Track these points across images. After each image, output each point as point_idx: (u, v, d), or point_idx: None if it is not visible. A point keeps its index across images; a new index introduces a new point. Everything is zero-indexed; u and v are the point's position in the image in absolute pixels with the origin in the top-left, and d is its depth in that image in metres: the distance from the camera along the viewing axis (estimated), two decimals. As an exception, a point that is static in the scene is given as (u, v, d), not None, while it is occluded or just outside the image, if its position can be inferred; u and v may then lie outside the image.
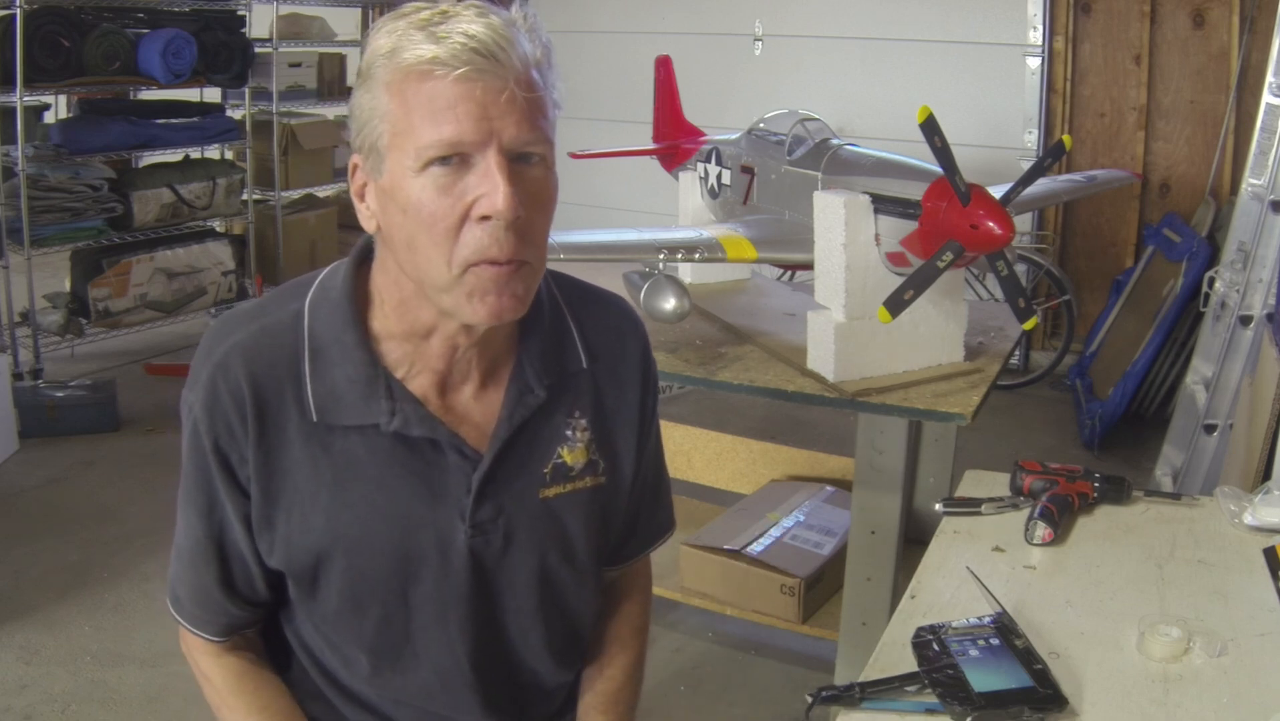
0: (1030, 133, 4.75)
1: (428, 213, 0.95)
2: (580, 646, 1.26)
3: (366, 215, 1.03)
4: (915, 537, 2.25)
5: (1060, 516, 1.46)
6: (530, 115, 0.95)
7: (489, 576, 1.11)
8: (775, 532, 2.56)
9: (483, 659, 1.14)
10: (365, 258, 1.09)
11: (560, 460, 1.13)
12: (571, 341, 1.15)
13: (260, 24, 5.15)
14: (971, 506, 1.54)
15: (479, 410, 1.09)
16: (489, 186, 0.94)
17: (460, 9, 0.95)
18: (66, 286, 4.65)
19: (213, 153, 5.25)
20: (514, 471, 1.10)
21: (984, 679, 1.09)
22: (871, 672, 1.15)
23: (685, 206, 2.74)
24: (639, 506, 1.26)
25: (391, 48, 0.95)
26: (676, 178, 2.82)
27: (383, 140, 0.96)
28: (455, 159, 0.94)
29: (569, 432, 1.13)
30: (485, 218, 0.94)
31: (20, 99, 4.00)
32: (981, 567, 1.36)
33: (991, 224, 1.77)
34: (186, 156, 4.96)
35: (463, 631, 1.12)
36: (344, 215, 5.72)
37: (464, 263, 0.96)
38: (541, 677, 1.21)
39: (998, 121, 4.76)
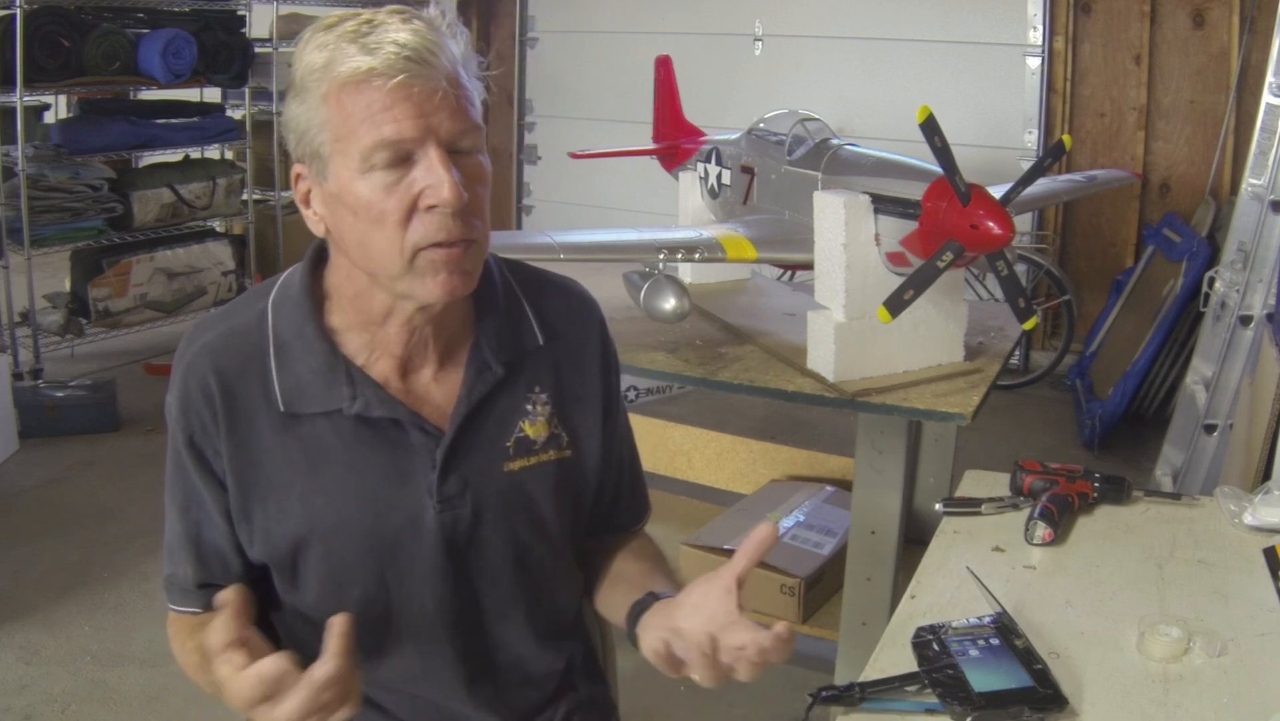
0: (1030, 133, 4.75)
1: (377, 210, 1.00)
2: (564, 629, 1.27)
3: (314, 220, 1.08)
4: (915, 537, 2.25)
5: (1060, 516, 1.46)
6: (461, 108, 1.01)
7: (462, 553, 1.14)
8: (775, 532, 2.56)
9: (463, 639, 1.16)
10: (320, 257, 1.14)
11: (522, 433, 1.16)
12: (527, 321, 1.19)
13: (260, 24, 5.14)
14: (971, 506, 1.54)
15: (439, 391, 1.14)
16: (434, 179, 0.99)
17: (384, 16, 1.00)
18: (66, 286, 4.65)
19: (213, 153, 5.25)
20: (476, 445, 1.13)
21: (984, 679, 1.09)
22: (871, 672, 1.15)
23: (685, 206, 2.74)
24: (620, 481, 1.30)
25: (326, 61, 0.99)
26: (676, 178, 2.82)
27: (325, 147, 1.02)
28: (397, 157, 0.99)
29: (529, 407, 1.17)
30: (432, 207, 1.00)
31: (20, 99, 3.99)
32: (981, 567, 1.36)
33: (991, 224, 1.77)
34: (186, 156, 4.95)
35: (441, 610, 1.14)
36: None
37: (414, 247, 1.02)
38: (527, 661, 1.22)
39: (998, 121, 4.76)
